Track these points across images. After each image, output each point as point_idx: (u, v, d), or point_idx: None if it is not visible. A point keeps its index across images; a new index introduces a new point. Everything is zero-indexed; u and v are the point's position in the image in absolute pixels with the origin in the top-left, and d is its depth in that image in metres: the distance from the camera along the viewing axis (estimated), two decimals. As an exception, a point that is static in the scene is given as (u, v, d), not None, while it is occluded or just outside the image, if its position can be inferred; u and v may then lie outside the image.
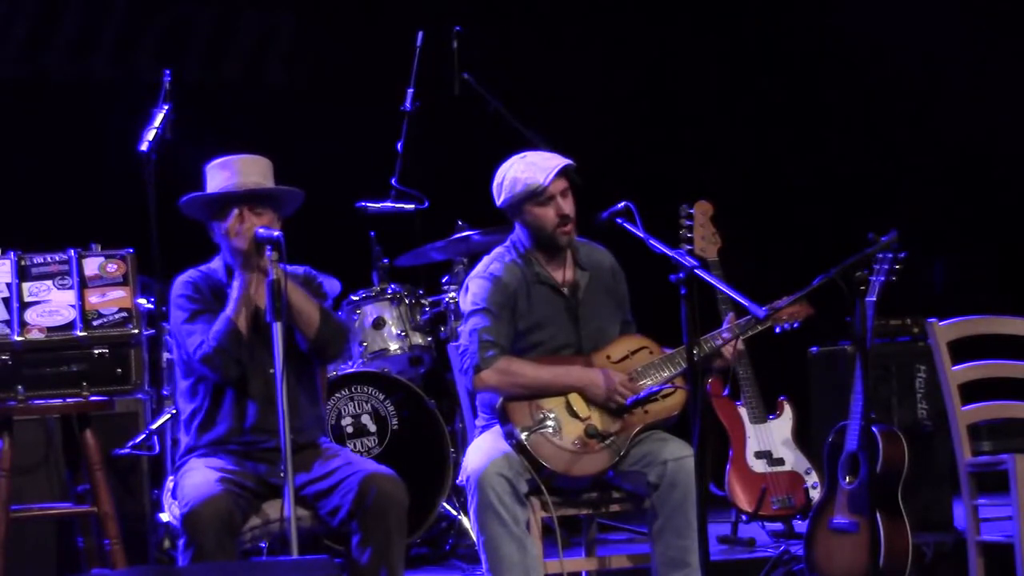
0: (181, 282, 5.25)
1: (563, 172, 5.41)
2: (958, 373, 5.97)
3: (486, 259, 5.56)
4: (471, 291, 5.48)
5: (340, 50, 8.54)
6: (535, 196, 5.40)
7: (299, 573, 4.42)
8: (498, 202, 5.49)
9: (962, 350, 6.01)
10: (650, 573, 5.38)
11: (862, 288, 5.43)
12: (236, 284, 5.12)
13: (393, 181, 7.20)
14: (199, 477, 4.98)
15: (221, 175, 5.18)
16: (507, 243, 5.58)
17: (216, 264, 5.30)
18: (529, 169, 5.41)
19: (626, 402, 5.35)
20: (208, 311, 5.16)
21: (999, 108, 8.95)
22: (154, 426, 6.23)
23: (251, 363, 5.11)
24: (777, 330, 5.55)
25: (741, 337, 5.42)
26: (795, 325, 5.56)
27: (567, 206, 5.41)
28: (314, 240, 5.50)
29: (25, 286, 5.48)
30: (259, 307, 5.08)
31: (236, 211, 5.11)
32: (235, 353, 5.06)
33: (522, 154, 5.50)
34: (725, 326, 5.47)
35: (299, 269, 5.33)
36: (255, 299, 5.10)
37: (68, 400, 5.44)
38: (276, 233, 5.01)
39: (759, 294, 4.98)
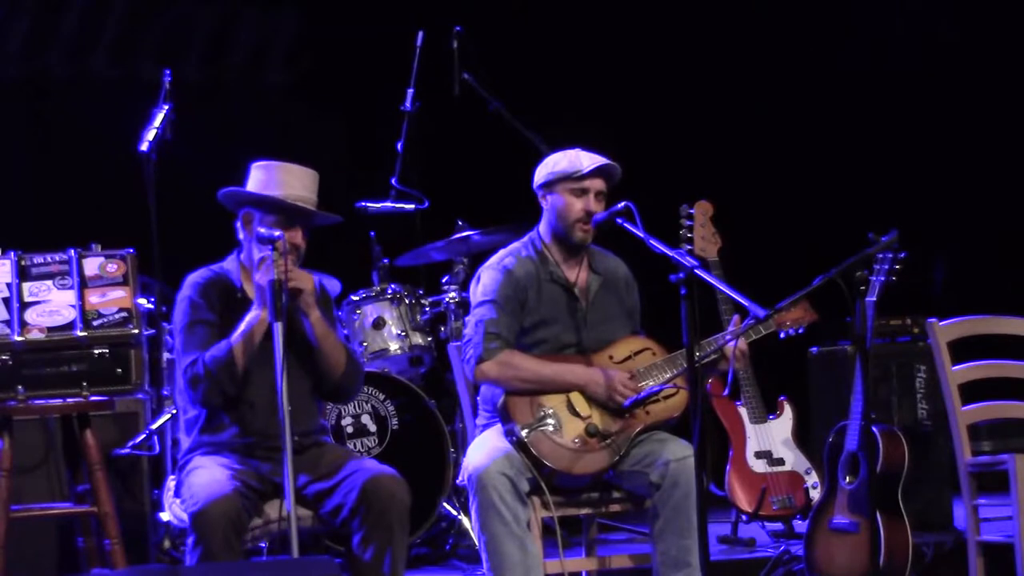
0: (191, 283, 5.18)
1: (606, 179, 5.45)
2: (958, 373, 5.96)
3: (502, 252, 5.59)
4: (482, 281, 5.52)
5: (340, 50, 8.54)
6: (570, 179, 5.44)
7: (299, 573, 4.42)
8: (536, 181, 5.54)
9: (962, 350, 6.01)
10: (651, 573, 5.38)
11: (862, 288, 5.44)
12: (248, 317, 5.03)
13: (393, 181, 7.21)
14: (208, 476, 4.95)
15: (276, 178, 5.11)
16: (525, 239, 5.61)
17: (230, 264, 5.24)
18: (576, 157, 5.48)
19: (626, 402, 5.35)
20: (207, 323, 5.09)
21: (999, 107, 8.95)
22: (154, 426, 6.23)
23: (256, 366, 5.08)
24: (782, 335, 5.55)
25: (744, 339, 5.42)
26: (800, 331, 5.56)
27: (595, 206, 5.44)
28: (314, 240, 5.49)
29: (25, 286, 5.49)
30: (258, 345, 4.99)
31: (272, 250, 4.95)
32: (224, 385, 4.99)
33: (579, 149, 5.55)
34: (731, 329, 5.47)
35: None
36: (259, 337, 5.00)
37: (68, 400, 5.45)
38: (277, 233, 4.99)
39: (760, 294, 4.98)
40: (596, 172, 5.44)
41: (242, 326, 5.02)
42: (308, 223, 5.16)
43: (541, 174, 5.52)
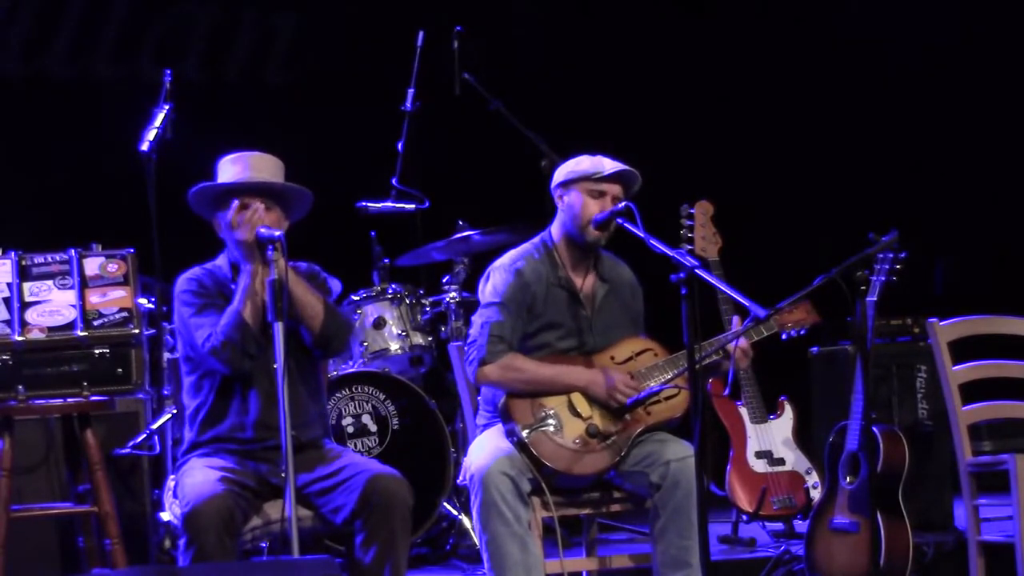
0: (185, 279, 5.25)
1: (625, 188, 5.45)
2: (958, 373, 5.97)
3: (513, 252, 5.59)
4: (491, 281, 5.52)
5: (340, 50, 8.54)
6: (590, 180, 5.44)
7: (299, 573, 4.42)
8: (555, 180, 5.54)
9: (962, 350, 6.01)
10: (651, 573, 5.39)
11: (863, 288, 5.44)
12: (242, 277, 5.12)
13: (394, 181, 7.20)
14: (200, 476, 4.98)
15: (233, 169, 5.19)
16: (536, 239, 5.61)
17: (221, 261, 5.30)
18: (600, 160, 5.49)
19: (626, 403, 5.35)
20: (214, 306, 5.16)
21: (999, 107, 8.95)
22: (155, 426, 6.23)
23: (256, 359, 5.10)
24: (784, 337, 5.55)
25: (745, 339, 5.42)
26: (802, 332, 5.56)
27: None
28: (315, 240, 5.49)
29: (26, 286, 5.48)
30: (265, 301, 5.06)
31: (237, 202, 5.11)
32: (244, 345, 5.06)
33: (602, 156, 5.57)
34: (732, 330, 5.47)
35: (302, 265, 5.32)
36: (261, 292, 5.09)
37: (69, 400, 5.44)
38: (277, 233, 5.02)
39: (760, 294, 4.98)
40: (616, 177, 5.44)
41: (240, 284, 5.09)
42: (275, 201, 5.17)
43: (562, 172, 5.52)
